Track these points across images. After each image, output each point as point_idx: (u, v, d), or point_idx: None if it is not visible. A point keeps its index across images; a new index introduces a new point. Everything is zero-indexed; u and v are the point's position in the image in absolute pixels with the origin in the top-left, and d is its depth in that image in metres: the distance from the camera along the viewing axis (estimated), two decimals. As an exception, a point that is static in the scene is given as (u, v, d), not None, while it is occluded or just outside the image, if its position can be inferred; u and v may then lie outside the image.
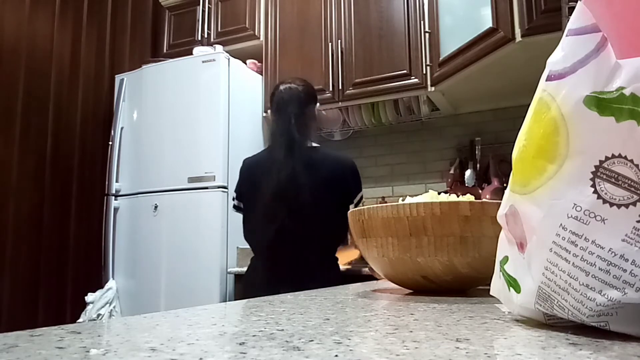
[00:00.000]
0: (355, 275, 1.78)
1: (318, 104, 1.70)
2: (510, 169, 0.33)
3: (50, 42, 2.28)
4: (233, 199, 1.68)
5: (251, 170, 1.60)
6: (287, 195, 1.46)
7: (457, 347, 0.26)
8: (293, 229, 1.45)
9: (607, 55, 0.27)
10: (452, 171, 2.23)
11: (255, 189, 1.54)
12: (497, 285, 0.37)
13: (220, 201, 2.03)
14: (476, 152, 2.20)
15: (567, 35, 0.30)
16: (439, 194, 0.66)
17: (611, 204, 0.27)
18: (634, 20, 0.28)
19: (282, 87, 1.59)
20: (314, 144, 1.59)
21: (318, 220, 1.48)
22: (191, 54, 2.31)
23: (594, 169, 0.27)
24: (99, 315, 2.09)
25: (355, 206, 1.59)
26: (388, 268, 0.62)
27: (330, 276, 1.51)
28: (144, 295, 2.13)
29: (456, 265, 0.56)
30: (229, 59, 2.18)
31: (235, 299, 1.87)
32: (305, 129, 1.54)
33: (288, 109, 1.53)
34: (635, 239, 0.26)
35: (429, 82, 2.03)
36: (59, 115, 2.30)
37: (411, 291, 0.65)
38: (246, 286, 1.63)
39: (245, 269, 1.99)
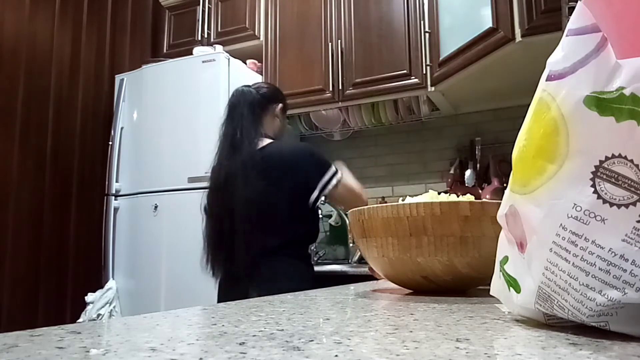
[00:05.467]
0: (356, 275, 1.78)
1: (281, 105, 1.63)
2: (510, 169, 0.33)
3: (50, 42, 2.28)
4: None
5: (211, 175, 1.61)
6: (224, 195, 1.47)
7: (457, 347, 0.26)
8: (226, 229, 1.44)
9: (607, 55, 0.27)
10: (452, 171, 2.23)
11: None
12: (497, 285, 0.37)
13: (220, 201, 2.03)
14: (476, 152, 2.20)
15: (567, 35, 0.30)
16: (439, 194, 0.66)
17: (611, 204, 0.27)
18: (634, 20, 0.28)
19: (235, 92, 1.59)
20: (267, 140, 1.52)
21: (259, 214, 1.42)
22: (191, 54, 2.31)
23: (594, 169, 0.27)
24: (99, 315, 2.09)
25: (323, 189, 1.45)
26: (388, 268, 0.62)
27: (278, 274, 1.40)
28: (144, 295, 2.12)
29: (456, 265, 0.56)
30: (229, 59, 2.18)
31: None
32: (249, 127, 1.50)
33: (235, 112, 1.53)
34: (635, 239, 0.26)
35: (429, 82, 2.03)
36: (59, 116, 2.30)
37: (411, 291, 0.65)
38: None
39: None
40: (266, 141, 1.52)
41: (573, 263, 0.28)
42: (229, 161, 1.48)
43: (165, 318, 0.38)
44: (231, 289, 1.46)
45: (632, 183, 0.26)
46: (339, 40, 2.26)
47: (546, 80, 0.30)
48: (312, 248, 1.58)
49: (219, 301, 1.56)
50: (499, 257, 0.37)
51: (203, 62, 2.18)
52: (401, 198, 0.65)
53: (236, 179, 1.44)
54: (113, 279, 2.21)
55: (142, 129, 2.29)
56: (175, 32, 2.72)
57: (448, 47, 1.87)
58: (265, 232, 1.43)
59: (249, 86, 1.60)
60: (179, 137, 2.17)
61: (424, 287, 0.62)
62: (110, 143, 2.32)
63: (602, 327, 0.27)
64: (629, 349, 0.25)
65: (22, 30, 2.15)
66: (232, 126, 1.53)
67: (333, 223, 2.44)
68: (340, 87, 2.22)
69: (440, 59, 1.92)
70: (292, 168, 1.44)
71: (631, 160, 0.26)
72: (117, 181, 2.30)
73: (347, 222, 2.35)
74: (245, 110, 1.52)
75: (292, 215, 1.46)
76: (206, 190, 1.62)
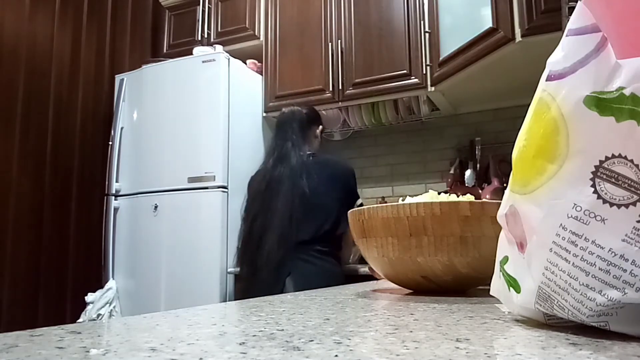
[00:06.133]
0: (355, 275, 1.78)
1: (321, 127, 1.87)
2: (510, 169, 0.33)
3: (50, 42, 2.28)
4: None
5: (251, 184, 1.75)
6: (263, 195, 1.61)
7: (457, 347, 0.26)
8: (262, 225, 1.58)
9: (607, 55, 0.27)
10: (452, 171, 2.23)
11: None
12: (497, 285, 0.37)
13: (220, 201, 2.03)
14: (476, 152, 2.19)
15: (567, 35, 0.30)
16: (439, 194, 0.66)
17: (611, 204, 0.27)
18: (634, 20, 0.28)
19: (284, 110, 1.81)
20: (312, 152, 1.73)
21: (292, 214, 1.58)
22: (191, 54, 2.31)
23: (594, 169, 0.27)
24: (99, 315, 2.09)
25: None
26: (388, 268, 0.62)
27: (309, 267, 1.55)
28: (144, 295, 2.12)
29: (456, 265, 0.56)
30: (229, 59, 2.18)
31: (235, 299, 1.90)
32: (298, 141, 1.70)
33: (286, 126, 1.73)
34: (635, 239, 0.26)
35: (429, 82, 2.03)
36: (59, 115, 2.30)
37: (411, 291, 0.65)
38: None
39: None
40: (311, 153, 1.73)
41: (573, 263, 0.28)
42: (274, 168, 1.64)
43: (165, 318, 0.38)
44: (266, 281, 1.55)
45: (632, 183, 0.26)
46: (339, 40, 2.26)
47: (546, 80, 0.30)
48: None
49: (247, 295, 1.63)
50: (499, 257, 0.37)
51: (203, 62, 2.18)
52: (401, 198, 0.65)
53: (281, 181, 1.60)
54: (113, 279, 2.21)
55: (142, 129, 2.29)
56: (175, 32, 2.72)
57: (448, 47, 1.87)
58: (309, 226, 1.58)
59: (295, 107, 1.82)
60: (179, 137, 2.17)
61: (424, 287, 0.62)
62: (110, 143, 2.32)
63: (602, 327, 0.27)
64: (629, 349, 0.25)
65: (22, 30, 2.15)
66: (282, 139, 1.71)
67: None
68: (340, 87, 2.22)
69: (440, 59, 1.92)
70: (341, 178, 1.69)
71: (631, 160, 0.26)
72: (117, 181, 2.30)
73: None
74: (295, 125, 1.73)
75: (333, 215, 1.63)
76: (246, 198, 1.80)
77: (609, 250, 0.26)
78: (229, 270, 2.02)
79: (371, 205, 0.62)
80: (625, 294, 0.26)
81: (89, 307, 2.10)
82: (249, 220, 1.66)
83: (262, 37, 2.47)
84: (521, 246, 0.32)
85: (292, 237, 1.55)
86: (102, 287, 2.17)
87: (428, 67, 2.02)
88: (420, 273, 0.59)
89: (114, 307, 2.14)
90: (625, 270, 0.26)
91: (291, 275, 1.51)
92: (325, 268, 1.59)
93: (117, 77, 2.45)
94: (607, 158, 0.27)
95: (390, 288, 0.73)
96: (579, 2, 0.30)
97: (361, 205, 1.71)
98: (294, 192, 1.57)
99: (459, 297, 0.55)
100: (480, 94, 2.12)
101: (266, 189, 1.61)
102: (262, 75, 2.44)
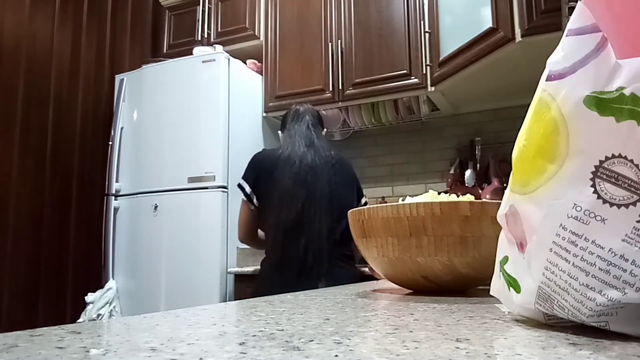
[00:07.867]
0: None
1: (325, 129, 1.86)
2: (510, 169, 0.33)
3: (50, 42, 2.28)
4: (242, 188, 1.64)
5: (268, 163, 1.61)
6: (307, 182, 1.56)
7: (457, 347, 0.26)
8: (309, 214, 1.53)
9: (607, 55, 0.27)
10: (452, 171, 2.23)
11: (276, 179, 1.57)
12: (497, 285, 0.37)
13: (220, 201, 2.03)
14: (476, 152, 2.20)
15: (567, 35, 0.30)
16: (439, 194, 0.66)
17: (611, 204, 0.27)
18: (634, 21, 0.28)
19: (296, 105, 1.80)
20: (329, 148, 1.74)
21: (332, 209, 1.56)
22: (191, 54, 2.31)
23: (594, 169, 0.27)
24: (99, 315, 2.09)
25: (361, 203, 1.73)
26: (388, 268, 0.62)
27: (339, 271, 1.54)
28: (144, 295, 2.12)
29: (456, 265, 0.56)
30: (229, 59, 2.18)
31: (236, 298, 1.89)
32: (317, 132, 1.70)
33: (305, 118, 1.71)
34: (635, 239, 0.26)
35: (429, 82, 2.03)
36: (59, 116, 2.30)
37: (411, 291, 0.65)
38: (260, 284, 1.63)
39: (245, 268, 1.99)
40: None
41: (573, 263, 0.28)
42: (305, 155, 1.60)
43: (165, 318, 0.38)
44: (313, 276, 1.52)
45: (632, 183, 0.26)
46: (339, 40, 2.26)
47: (546, 80, 0.30)
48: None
49: (273, 289, 1.57)
50: (499, 257, 0.37)
51: (203, 62, 2.18)
52: (401, 198, 0.65)
53: (316, 171, 1.58)
54: (113, 279, 2.21)
55: (142, 129, 2.29)
56: (175, 32, 2.72)
57: (448, 47, 1.87)
58: (340, 227, 1.56)
59: (304, 104, 1.81)
60: (179, 137, 2.17)
61: (424, 287, 0.62)
62: (110, 143, 2.32)
63: (602, 327, 0.27)
64: (629, 349, 0.25)
65: (22, 30, 2.15)
66: (303, 127, 1.69)
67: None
68: (340, 87, 2.22)
69: (440, 59, 1.92)
70: (354, 178, 1.72)
71: (631, 160, 0.26)
72: (117, 181, 2.30)
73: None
74: (314, 120, 1.73)
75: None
76: (260, 177, 1.66)
77: (609, 250, 0.26)
78: (229, 270, 2.02)
79: (371, 205, 0.62)
80: (625, 294, 0.26)
81: (89, 307, 2.10)
82: (297, 205, 1.52)
83: (262, 37, 2.47)
84: (521, 246, 0.32)
85: (335, 234, 1.54)
86: (102, 287, 2.17)
87: (428, 67, 2.02)
88: (420, 273, 0.59)
89: (114, 307, 2.14)
90: (625, 270, 0.26)
91: (324, 279, 1.49)
92: (353, 272, 1.60)
93: (117, 77, 2.45)
94: (607, 158, 0.27)
95: (390, 288, 0.73)
96: (579, 2, 0.30)
97: (365, 204, 1.71)
98: (332, 188, 1.56)
99: (459, 297, 0.55)
100: (480, 94, 2.12)
101: (307, 176, 1.55)
102: (262, 75, 2.44)
